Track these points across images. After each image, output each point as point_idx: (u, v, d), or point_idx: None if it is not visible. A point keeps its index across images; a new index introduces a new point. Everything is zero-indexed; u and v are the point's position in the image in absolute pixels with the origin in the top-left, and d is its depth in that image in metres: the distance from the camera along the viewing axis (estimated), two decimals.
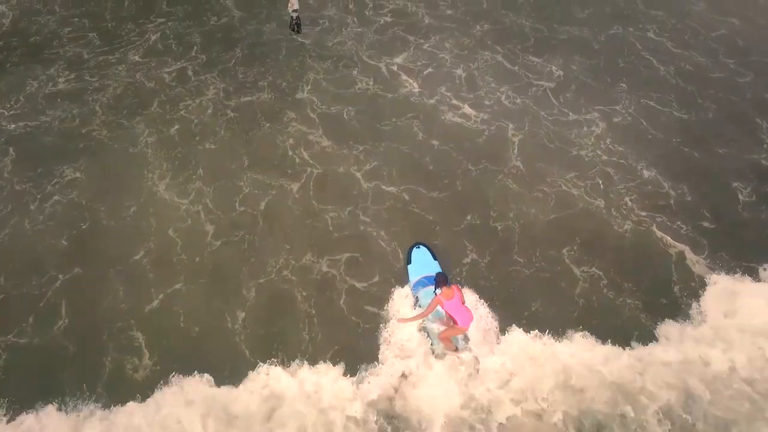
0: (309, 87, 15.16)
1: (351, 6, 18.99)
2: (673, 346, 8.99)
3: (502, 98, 14.53)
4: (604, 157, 12.72)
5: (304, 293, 9.93)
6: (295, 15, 16.92)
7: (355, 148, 12.96)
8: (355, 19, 18.19)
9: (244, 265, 10.32)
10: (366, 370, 8.70)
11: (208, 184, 12.04)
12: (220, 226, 11.10)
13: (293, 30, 17.36)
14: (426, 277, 9.62)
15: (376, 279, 10.15)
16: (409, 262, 10.02)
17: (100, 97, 14.79)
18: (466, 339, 8.88)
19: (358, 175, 12.27)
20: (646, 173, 12.28)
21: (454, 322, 8.25)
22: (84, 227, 11.13)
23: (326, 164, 12.59)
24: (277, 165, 12.55)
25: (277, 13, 17.33)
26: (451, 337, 8.61)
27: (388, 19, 18.19)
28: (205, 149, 13.05)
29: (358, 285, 10.04)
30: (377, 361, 8.82)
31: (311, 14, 18.54)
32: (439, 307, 8.38)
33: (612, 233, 10.99)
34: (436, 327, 8.87)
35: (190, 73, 15.84)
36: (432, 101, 14.44)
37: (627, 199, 11.69)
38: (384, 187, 11.89)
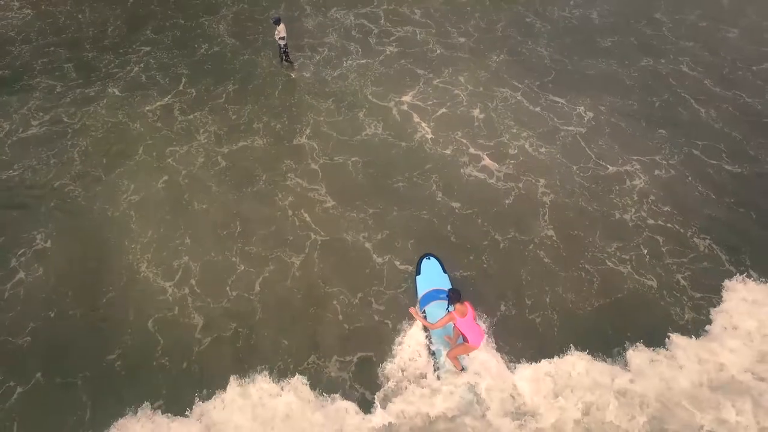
0: (309, 131, 13.54)
1: (354, 32, 17.37)
2: None
3: (527, 146, 12.95)
4: (650, 221, 11.15)
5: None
6: (282, 43, 15.09)
7: (364, 211, 11.35)
8: (359, 48, 16.58)
9: (237, 370, 8.68)
10: None
11: (197, 258, 10.41)
12: (211, 316, 9.45)
13: (282, 60, 15.70)
14: (435, 291, 9.25)
15: (391, 384, 8.53)
16: (418, 273, 9.65)
17: (78, 141, 13.17)
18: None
19: (368, 245, 10.65)
20: (698, 242, 10.71)
21: (465, 340, 7.93)
22: (51, 316, 9.47)
23: (331, 230, 10.98)
24: (274, 231, 10.93)
25: (273, 40, 15.59)
26: (459, 355, 8.34)
27: (395, 48, 16.58)
28: (194, 210, 11.42)
29: (369, 396, 8.43)
30: None
31: (310, 41, 16.93)
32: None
33: (671, 325, 9.37)
34: (443, 348, 8.64)
35: (177, 112, 14.20)
36: (448, 151, 12.84)
37: (679, 276, 10.13)
38: (399, 264, 10.27)
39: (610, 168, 12.38)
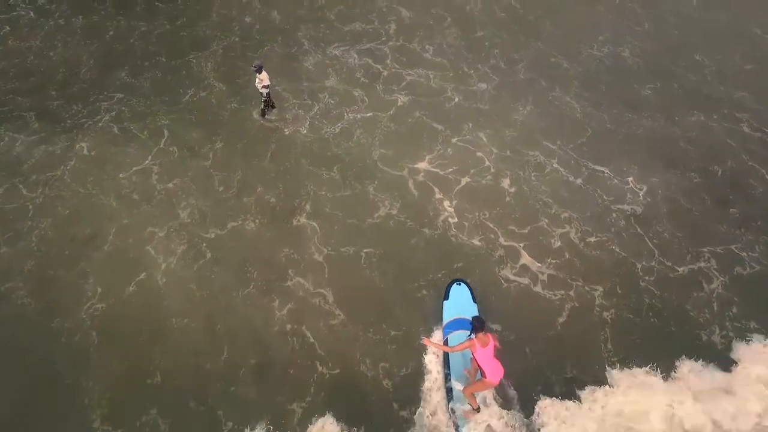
0: (309, 207, 11.56)
1: (358, 74, 15.26)
2: None
3: (572, 235, 11.01)
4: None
5: None
6: (265, 92, 12.93)
7: (385, 333, 9.38)
8: (364, 96, 14.49)
9: None
10: None
11: (170, 411, 8.36)
12: None
13: (263, 114, 13.58)
14: (461, 320, 8.83)
15: None
16: (445, 298, 9.24)
17: (39, 222, 11.06)
18: None
19: (389, 384, 8.67)
20: None
21: (483, 375, 7.48)
22: None
23: (342, 358, 9.01)
24: (268, 361, 8.93)
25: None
26: (476, 392, 7.93)
27: (406, 97, 14.50)
28: (171, 329, 9.39)
29: None
30: None
31: (309, 84, 14.83)
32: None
33: None
34: (460, 386, 8.14)
35: (155, 179, 12.14)
36: (477, 241, 10.89)
37: None
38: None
39: (680, 268, 10.40)
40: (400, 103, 14.35)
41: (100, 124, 13.39)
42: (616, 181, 12.16)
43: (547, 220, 11.26)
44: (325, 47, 16.23)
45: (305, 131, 13.39)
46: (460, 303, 9.14)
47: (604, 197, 11.79)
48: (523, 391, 8.59)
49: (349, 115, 13.88)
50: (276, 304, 9.75)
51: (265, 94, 13.00)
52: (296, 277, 10.18)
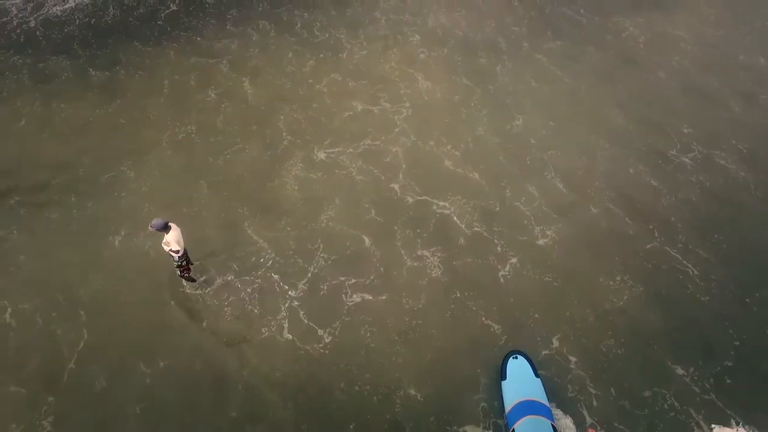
0: None
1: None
2: None
3: None
4: None
5: None
6: (176, 256, 8.85)
7: None
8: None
9: None
10: None
11: None
12: None
13: (183, 279, 9.58)
14: (526, 402, 7.61)
15: None
16: (503, 377, 8.09)
17: None
18: None
19: None
20: None
21: None
22: None
23: None
24: None
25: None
26: None
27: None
28: None
29: None
30: None
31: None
32: None
33: None
34: None
35: None
36: None
37: None
38: None
39: None
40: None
41: None
42: None
43: None
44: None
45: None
46: (521, 381, 8.00)
47: None
48: None
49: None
50: None
51: (176, 258, 8.89)
52: None
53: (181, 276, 9.32)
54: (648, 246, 10.77)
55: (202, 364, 8.65)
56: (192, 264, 9.50)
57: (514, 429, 7.44)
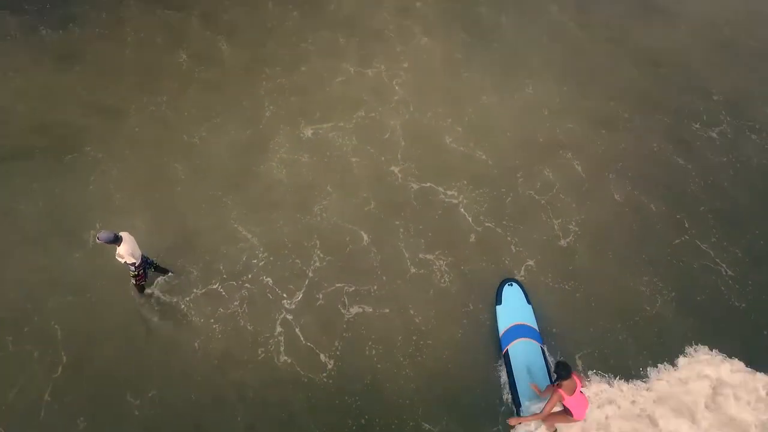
0: None
1: None
2: None
3: None
4: None
5: None
6: (132, 268, 7.88)
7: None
8: None
9: None
10: None
11: None
12: None
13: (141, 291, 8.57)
14: (519, 326, 8.18)
15: None
16: (498, 302, 8.61)
17: None
18: None
19: None
20: None
21: (569, 413, 6.88)
22: None
23: None
24: None
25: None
26: (558, 423, 7.32)
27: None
28: None
29: None
30: None
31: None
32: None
33: None
34: (537, 407, 7.37)
35: None
36: None
37: None
38: None
39: None
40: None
41: None
42: None
43: None
44: None
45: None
46: (514, 306, 8.49)
47: None
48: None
49: None
50: None
51: (133, 270, 7.93)
52: None
53: (135, 285, 8.27)
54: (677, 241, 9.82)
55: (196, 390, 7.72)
56: (169, 271, 8.64)
57: (507, 350, 7.98)
